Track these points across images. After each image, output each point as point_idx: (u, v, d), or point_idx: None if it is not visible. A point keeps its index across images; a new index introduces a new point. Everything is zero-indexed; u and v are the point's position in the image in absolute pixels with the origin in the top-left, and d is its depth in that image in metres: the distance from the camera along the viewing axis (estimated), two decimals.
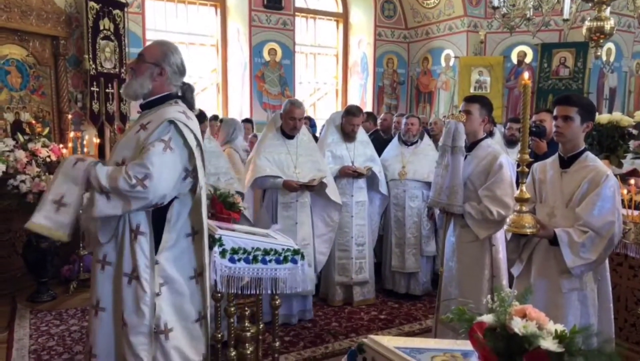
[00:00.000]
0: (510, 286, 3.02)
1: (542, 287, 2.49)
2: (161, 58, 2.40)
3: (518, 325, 1.16)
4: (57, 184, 2.24)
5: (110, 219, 2.29)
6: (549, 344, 1.14)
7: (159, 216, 2.33)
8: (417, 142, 5.02)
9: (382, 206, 5.01)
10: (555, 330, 1.18)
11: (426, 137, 5.17)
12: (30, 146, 4.69)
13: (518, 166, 2.35)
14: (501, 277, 3.26)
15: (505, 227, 2.44)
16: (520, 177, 2.34)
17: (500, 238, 3.30)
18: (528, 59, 8.14)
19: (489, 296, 1.31)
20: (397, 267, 4.93)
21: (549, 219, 2.53)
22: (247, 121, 6.91)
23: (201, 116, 3.85)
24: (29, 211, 4.50)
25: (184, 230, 2.40)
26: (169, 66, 2.40)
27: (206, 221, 2.49)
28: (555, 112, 2.58)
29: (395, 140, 5.17)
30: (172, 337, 2.38)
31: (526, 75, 2.39)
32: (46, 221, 2.21)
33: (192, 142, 2.34)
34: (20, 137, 4.78)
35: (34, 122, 4.97)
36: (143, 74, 2.39)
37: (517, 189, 2.37)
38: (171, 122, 2.28)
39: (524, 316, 1.18)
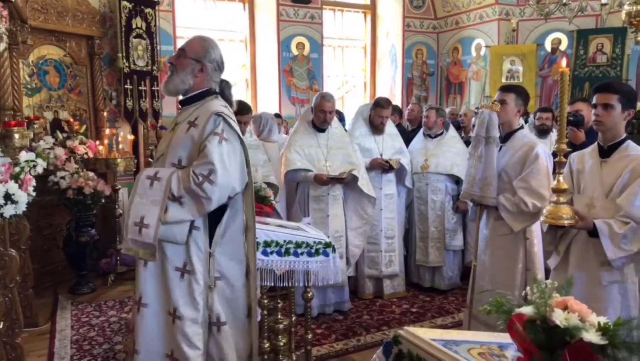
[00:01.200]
0: (547, 279, 2.96)
1: (580, 280, 2.43)
2: (202, 54, 2.42)
3: (559, 317, 1.14)
4: (135, 206, 2.27)
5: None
6: (591, 336, 1.12)
7: (212, 210, 2.35)
8: (441, 134, 4.95)
9: (408, 199, 4.98)
10: (598, 322, 1.16)
11: (451, 129, 5.08)
12: (69, 143, 4.85)
13: (555, 156, 2.29)
14: (536, 270, 3.19)
15: (541, 218, 2.39)
16: (557, 168, 2.28)
17: (535, 230, 3.23)
18: (563, 47, 7.89)
19: (527, 288, 1.28)
20: (421, 261, 4.91)
21: (588, 210, 2.46)
22: (276, 116, 6.94)
23: (245, 109, 3.90)
24: (69, 206, 4.70)
25: (239, 225, 2.44)
26: (209, 62, 2.43)
27: (254, 218, 2.52)
28: (594, 100, 2.50)
29: (420, 133, 5.12)
30: (224, 330, 2.42)
31: (564, 62, 2.33)
32: (133, 244, 2.26)
33: (240, 135, 2.38)
34: (60, 135, 4.94)
35: (71, 120, 5.13)
36: (184, 70, 2.42)
37: (554, 180, 2.32)
38: (219, 114, 2.31)
39: (565, 308, 1.16)
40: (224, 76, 2.60)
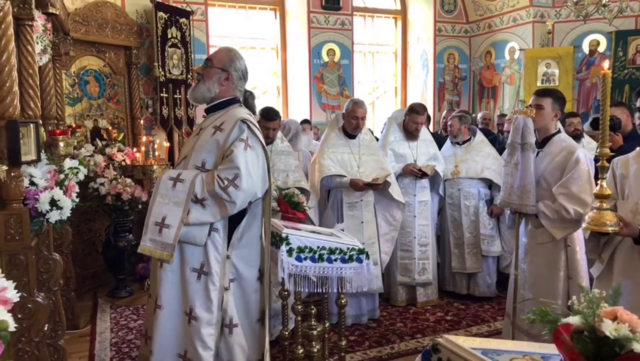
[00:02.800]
0: (590, 288, 2.87)
1: (626, 288, 2.32)
2: (228, 63, 2.51)
3: (609, 328, 1.10)
4: (157, 206, 2.31)
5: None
6: None
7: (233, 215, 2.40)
8: (469, 140, 4.90)
9: (439, 206, 4.92)
10: None
11: (479, 134, 5.05)
12: (108, 150, 5.00)
13: (597, 160, 2.23)
14: (579, 278, 3.09)
15: (583, 225, 2.32)
16: (600, 173, 2.21)
17: (577, 237, 3.13)
18: (601, 48, 7.67)
19: (573, 297, 1.25)
20: (457, 268, 4.82)
21: (633, 216, 2.37)
22: (305, 121, 6.98)
23: (273, 114, 3.96)
24: (108, 211, 4.83)
25: (257, 230, 2.48)
26: (235, 71, 2.51)
27: (270, 224, 2.56)
28: (638, 104, 2.42)
29: (448, 141, 5.08)
30: (235, 333, 2.45)
31: (605, 64, 2.27)
32: (151, 243, 2.29)
33: (263, 143, 2.42)
34: (99, 143, 5.10)
35: (110, 128, 5.29)
36: (211, 79, 2.50)
37: (596, 185, 2.25)
38: (244, 121, 2.37)
39: (614, 318, 1.12)
40: (255, 84, 2.68)
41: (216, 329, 2.42)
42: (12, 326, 1.15)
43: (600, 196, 2.21)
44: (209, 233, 2.37)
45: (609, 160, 2.22)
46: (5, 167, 2.19)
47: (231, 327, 2.46)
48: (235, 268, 2.46)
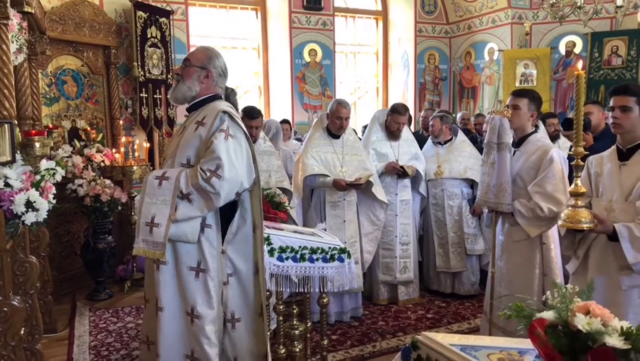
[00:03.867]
0: (566, 284, 2.93)
1: (600, 284, 2.40)
2: (207, 61, 2.50)
3: (582, 322, 1.13)
4: (146, 206, 2.31)
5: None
6: (614, 341, 1.10)
7: (224, 209, 2.40)
8: (450, 140, 4.96)
9: (422, 205, 4.97)
10: (621, 327, 1.15)
11: (460, 134, 5.12)
12: (86, 151, 4.92)
13: (571, 159, 2.28)
14: (553, 276, 3.16)
15: (559, 222, 2.36)
16: (575, 171, 2.26)
17: (552, 235, 3.20)
18: (577, 49, 7.82)
19: (547, 293, 1.27)
20: (442, 267, 4.87)
21: (607, 213, 2.43)
22: (284, 122, 6.96)
23: (255, 113, 3.96)
24: (86, 213, 4.76)
25: (250, 224, 2.47)
26: (214, 68, 2.51)
27: (262, 216, 2.55)
28: (612, 103, 2.48)
29: (429, 141, 5.13)
30: (238, 327, 2.46)
31: (579, 65, 2.31)
32: (144, 244, 2.28)
33: (246, 133, 2.42)
34: (77, 144, 5.02)
35: (89, 128, 5.21)
36: (191, 77, 2.49)
37: (572, 183, 2.30)
38: (225, 112, 2.36)
39: (587, 312, 1.15)
40: (237, 83, 2.68)
41: (219, 325, 2.42)
42: None
43: (575, 194, 2.26)
44: (201, 229, 2.36)
45: (584, 158, 2.27)
46: None
47: (234, 322, 2.47)
48: (231, 262, 2.46)
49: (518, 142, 3.22)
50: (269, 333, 3.02)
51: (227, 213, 2.43)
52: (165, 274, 2.39)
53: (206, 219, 2.36)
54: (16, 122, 2.99)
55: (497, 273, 3.30)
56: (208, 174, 2.24)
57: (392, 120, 4.61)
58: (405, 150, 4.71)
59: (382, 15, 9.23)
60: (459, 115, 7.53)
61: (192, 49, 2.99)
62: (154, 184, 2.31)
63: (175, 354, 2.41)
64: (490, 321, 3.27)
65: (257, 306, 2.50)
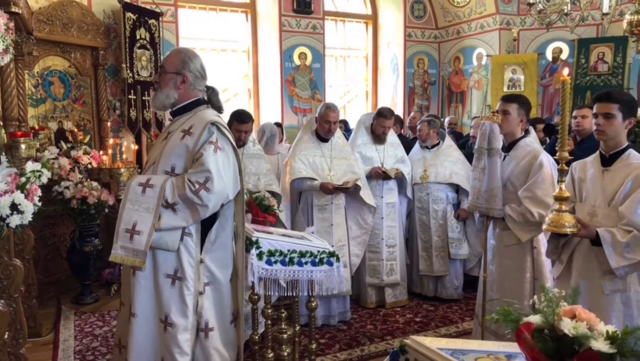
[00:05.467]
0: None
1: (583, 289, 2.41)
2: (181, 66, 2.47)
3: (568, 326, 1.14)
4: (127, 212, 2.26)
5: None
6: (600, 345, 1.12)
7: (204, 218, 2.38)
8: (438, 144, 4.99)
9: (408, 208, 4.99)
10: (607, 331, 1.16)
11: (447, 139, 5.15)
12: (73, 153, 4.87)
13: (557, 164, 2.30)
14: (544, 280, 3.18)
15: (544, 226, 2.39)
16: (559, 176, 2.29)
17: (543, 239, 3.22)
18: (564, 56, 7.94)
19: (535, 297, 1.28)
20: (425, 271, 4.89)
21: (590, 218, 2.46)
22: (277, 125, 6.94)
23: (246, 117, 3.95)
24: (73, 216, 4.71)
25: (230, 232, 2.46)
26: (189, 72, 2.47)
27: (244, 225, 2.54)
28: (595, 110, 2.51)
29: (417, 145, 5.16)
30: (211, 336, 2.43)
31: (565, 71, 2.35)
32: (122, 251, 2.24)
33: (234, 144, 2.41)
34: (64, 145, 4.96)
35: (76, 130, 5.15)
36: (167, 85, 2.47)
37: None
38: (213, 124, 2.35)
39: (573, 316, 1.16)
40: (226, 86, 2.66)
41: (191, 334, 2.39)
42: None
43: (559, 199, 2.29)
44: (181, 237, 2.34)
45: (568, 163, 2.30)
46: None
47: (207, 331, 2.44)
48: (209, 271, 2.44)
49: (508, 147, 3.25)
50: (257, 338, 3.02)
51: (206, 222, 2.41)
52: (140, 280, 2.36)
53: (187, 228, 2.35)
54: (1, 123, 2.96)
55: (488, 277, 3.31)
56: (197, 186, 2.22)
57: (378, 124, 4.63)
58: (391, 153, 4.74)
59: (372, 19, 9.28)
60: (446, 120, 7.59)
61: (166, 55, 2.95)
62: (137, 190, 2.28)
63: (145, 360, 2.38)
64: (483, 325, 3.29)
65: (230, 314, 2.49)
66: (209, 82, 2.62)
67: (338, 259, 3.00)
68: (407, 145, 5.27)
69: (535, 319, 1.20)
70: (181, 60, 2.48)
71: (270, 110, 8.18)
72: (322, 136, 4.31)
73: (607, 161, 2.51)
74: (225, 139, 2.37)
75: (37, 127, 4.85)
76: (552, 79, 7.99)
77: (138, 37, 5.87)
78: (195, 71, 2.49)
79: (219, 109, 2.59)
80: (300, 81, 8.24)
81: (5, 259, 2.85)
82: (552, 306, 1.20)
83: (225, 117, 3.23)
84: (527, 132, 3.33)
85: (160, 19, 6.28)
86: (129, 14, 5.73)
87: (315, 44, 8.31)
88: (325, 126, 4.23)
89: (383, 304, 4.68)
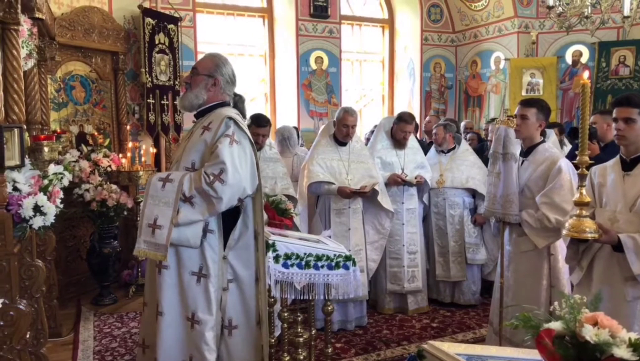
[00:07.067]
0: None
1: (604, 295, 2.34)
2: (214, 69, 2.52)
3: (590, 333, 1.12)
4: (149, 207, 2.32)
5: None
6: (622, 352, 1.10)
7: (226, 214, 2.41)
8: (453, 148, 4.95)
9: (423, 213, 4.95)
10: (629, 338, 1.14)
11: (464, 143, 5.13)
12: (93, 156, 4.95)
13: (576, 168, 2.27)
14: (561, 287, 3.13)
15: (563, 232, 2.35)
16: (579, 180, 2.26)
17: (560, 246, 3.17)
18: (584, 59, 7.82)
19: (555, 303, 1.27)
20: (442, 276, 4.85)
21: (611, 224, 2.42)
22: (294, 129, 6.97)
23: (264, 121, 3.98)
24: (92, 218, 4.78)
25: (251, 230, 2.48)
26: (221, 76, 2.53)
27: (263, 225, 2.56)
28: (614, 114, 2.47)
29: (432, 149, 5.12)
30: (235, 334, 2.46)
31: (585, 75, 2.32)
32: (145, 245, 2.30)
33: (251, 140, 2.44)
34: (85, 148, 5.05)
35: (96, 133, 5.25)
36: (198, 85, 2.52)
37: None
38: (230, 118, 2.38)
39: (595, 323, 1.15)
40: (243, 90, 2.69)
41: (216, 331, 2.43)
42: None
43: (579, 204, 2.25)
44: (204, 234, 2.37)
45: (588, 168, 2.26)
46: None
47: (231, 329, 2.47)
48: (232, 269, 2.46)
49: (526, 152, 3.21)
50: (273, 341, 3.03)
51: (229, 219, 2.43)
52: (166, 278, 2.39)
53: (209, 225, 2.38)
54: (25, 127, 3.02)
55: (505, 284, 3.27)
56: (211, 177, 2.25)
57: (399, 128, 4.61)
58: (412, 159, 4.70)
59: (389, 23, 9.27)
60: (462, 124, 7.53)
61: (199, 56, 3.02)
62: (157, 185, 2.33)
63: (174, 359, 2.41)
64: (500, 332, 3.24)
65: (256, 314, 2.50)
66: None
67: (355, 263, 3.00)
68: (424, 149, 5.25)
69: (556, 325, 1.19)
70: (215, 63, 2.54)
71: (286, 114, 8.21)
72: (340, 139, 4.32)
73: (628, 165, 2.47)
74: (242, 133, 2.40)
75: (59, 130, 4.95)
76: (571, 82, 7.88)
77: (157, 42, 5.96)
78: (227, 76, 2.54)
79: (243, 116, 2.64)
80: (316, 85, 8.26)
81: (27, 260, 2.91)
82: (573, 313, 1.19)
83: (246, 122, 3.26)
84: (543, 134, 3.28)
85: (179, 24, 6.37)
86: (148, 20, 5.82)
87: (332, 48, 8.32)
88: (343, 129, 4.24)
89: (403, 310, 4.64)
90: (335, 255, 2.96)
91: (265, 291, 2.59)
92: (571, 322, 1.18)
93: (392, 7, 9.20)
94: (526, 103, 3.18)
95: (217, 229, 2.41)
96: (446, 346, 1.50)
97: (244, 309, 2.49)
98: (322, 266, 2.94)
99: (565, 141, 5.34)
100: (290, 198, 4.00)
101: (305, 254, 2.91)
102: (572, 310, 1.20)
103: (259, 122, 3.94)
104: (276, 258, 2.84)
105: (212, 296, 2.37)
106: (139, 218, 5.22)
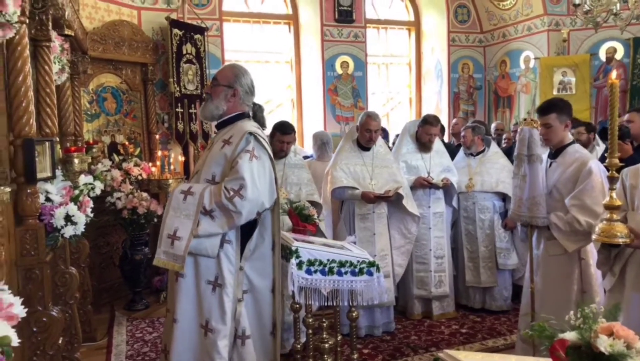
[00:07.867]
0: None
1: (637, 302, 2.30)
2: (233, 80, 2.57)
3: (604, 344, 1.09)
4: (170, 219, 2.39)
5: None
6: None
7: (244, 225, 2.45)
8: (482, 151, 4.85)
9: (452, 218, 4.87)
10: None
11: (493, 145, 5.00)
12: (124, 165, 5.10)
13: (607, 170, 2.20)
14: (593, 293, 3.02)
15: (593, 237, 2.28)
16: (610, 183, 2.19)
17: (591, 250, 3.07)
18: (619, 56, 7.55)
19: (571, 312, 1.23)
20: (472, 282, 4.76)
21: None
22: None
23: (289, 129, 4.02)
24: (124, 225, 4.92)
25: (268, 241, 2.52)
26: (240, 87, 2.58)
27: (280, 235, 2.59)
28: None
29: (461, 152, 5.03)
30: (248, 344, 2.48)
31: (614, 74, 2.27)
32: (164, 256, 2.37)
33: (270, 154, 2.47)
34: (116, 158, 5.21)
35: (127, 143, 5.41)
36: (218, 96, 2.57)
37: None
38: (251, 134, 2.42)
39: (610, 334, 1.11)
40: (269, 97, 2.74)
41: (229, 340, 2.45)
42: (15, 341, 1.18)
43: (610, 207, 2.18)
44: (221, 244, 2.41)
45: (619, 170, 2.19)
46: (8, 189, 2.23)
47: (244, 338, 2.49)
48: (248, 279, 2.50)
49: (555, 153, 3.13)
50: (299, 346, 3.04)
51: (246, 230, 2.47)
52: (183, 286, 2.44)
53: (227, 235, 2.42)
54: (57, 139, 3.15)
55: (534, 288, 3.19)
56: (231, 193, 2.29)
57: (424, 131, 4.56)
58: (437, 162, 4.64)
59: (415, 25, 9.20)
60: (492, 125, 7.39)
61: (220, 68, 3.08)
62: (179, 198, 2.39)
63: None
64: (533, 341, 3.15)
65: (270, 325, 2.52)
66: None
67: (378, 269, 2.98)
68: (451, 152, 5.17)
69: (570, 336, 1.16)
70: (234, 74, 2.59)
71: (313, 119, 8.24)
72: (363, 144, 4.31)
73: None
74: (262, 148, 2.44)
75: (91, 141, 5.12)
76: (606, 80, 7.62)
77: (184, 52, 6.09)
78: (246, 86, 2.60)
79: (262, 125, 2.68)
80: (342, 89, 8.27)
81: (61, 267, 3.01)
82: (588, 323, 1.15)
83: (268, 129, 3.31)
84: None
85: (206, 33, 6.49)
86: (175, 31, 5.96)
87: (357, 52, 8.32)
88: (366, 134, 4.23)
89: (429, 316, 4.59)
90: (358, 261, 2.95)
91: (280, 302, 2.61)
92: (586, 332, 1.15)
93: (418, 9, 9.14)
94: (544, 111, 3.07)
95: (234, 239, 2.45)
96: (463, 356, 1.48)
97: (258, 319, 2.52)
98: (346, 273, 2.93)
99: (599, 140, 5.16)
100: (314, 204, 4.01)
101: (328, 260, 2.91)
102: (587, 320, 1.17)
103: (284, 130, 3.97)
104: (299, 265, 2.85)
105: (226, 306, 2.40)
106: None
